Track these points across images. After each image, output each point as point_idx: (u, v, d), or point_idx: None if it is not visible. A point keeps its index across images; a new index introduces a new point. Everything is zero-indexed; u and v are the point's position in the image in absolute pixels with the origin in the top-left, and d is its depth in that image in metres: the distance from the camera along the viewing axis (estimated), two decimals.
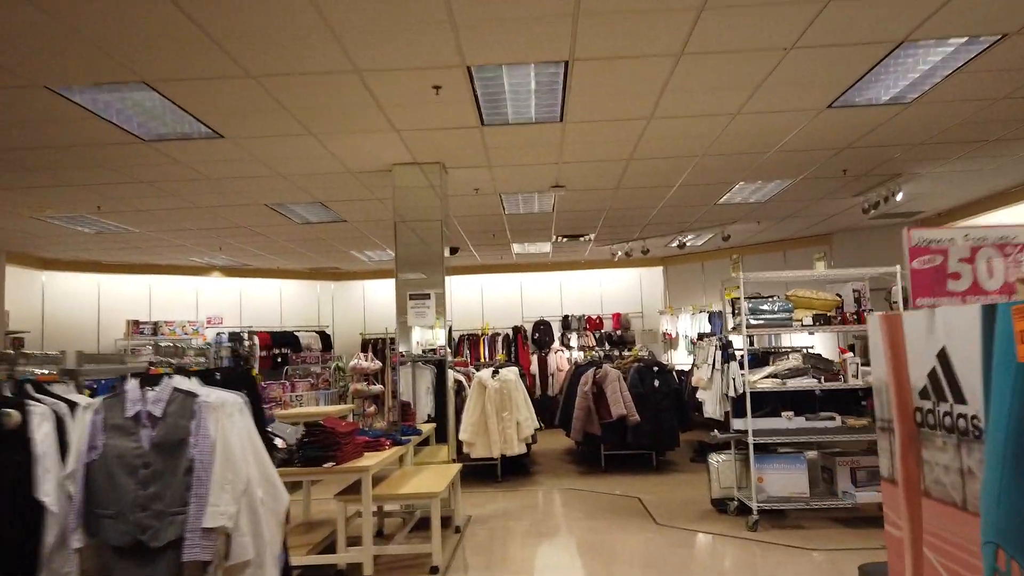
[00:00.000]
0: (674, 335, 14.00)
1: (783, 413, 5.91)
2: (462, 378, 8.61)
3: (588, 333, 14.63)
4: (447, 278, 15.96)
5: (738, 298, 6.25)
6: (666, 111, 5.53)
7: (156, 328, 12.18)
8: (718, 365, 6.00)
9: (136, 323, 11.97)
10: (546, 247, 12.53)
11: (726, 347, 5.99)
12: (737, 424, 5.93)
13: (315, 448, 4.98)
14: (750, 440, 5.83)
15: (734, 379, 5.89)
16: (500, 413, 8.19)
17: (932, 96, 5.40)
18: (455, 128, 5.74)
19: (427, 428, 6.98)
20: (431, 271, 6.74)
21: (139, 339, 12.02)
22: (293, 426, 5.43)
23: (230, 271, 13.51)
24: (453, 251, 12.07)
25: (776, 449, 6.30)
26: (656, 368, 8.91)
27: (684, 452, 9.98)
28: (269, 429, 5.16)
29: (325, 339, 14.68)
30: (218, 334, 13.24)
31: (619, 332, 14.61)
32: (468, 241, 11.52)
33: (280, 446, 5.04)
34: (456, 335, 14.70)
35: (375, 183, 7.40)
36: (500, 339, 14.42)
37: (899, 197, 7.94)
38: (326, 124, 5.55)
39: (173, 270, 12.79)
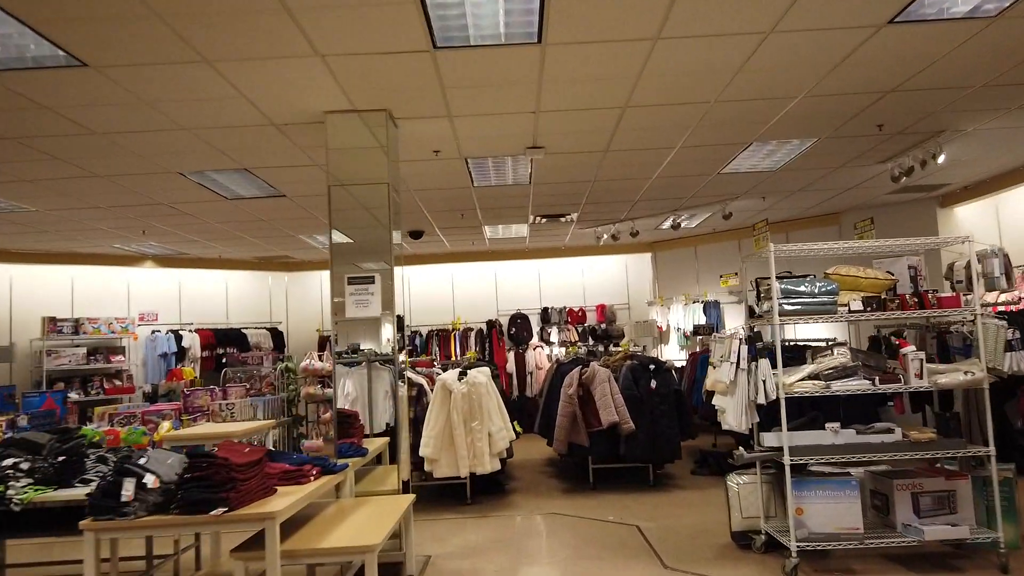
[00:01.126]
0: (665, 328, 12.69)
1: (828, 425, 4.60)
2: (423, 381, 7.22)
3: (570, 327, 13.29)
4: (410, 268, 14.66)
5: (763, 278, 4.92)
6: (678, 27, 4.16)
7: (78, 326, 10.62)
8: (743, 363, 4.65)
9: (53, 320, 10.40)
10: (523, 230, 11.15)
11: (753, 341, 4.66)
12: (769, 439, 4.61)
13: (201, 487, 3.57)
14: (786, 460, 4.51)
15: (764, 381, 4.56)
16: (469, 423, 6.81)
17: None
18: (399, 53, 4.33)
19: (379, 443, 5.59)
20: (377, 248, 5.33)
21: (57, 339, 10.45)
22: (180, 454, 4.01)
23: (165, 261, 11.96)
24: (416, 235, 10.65)
25: (812, 468, 4.99)
26: (652, 366, 7.58)
27: (683, 462, 8.67)
28: (141, 462, 3.73)
29: (277, 337, 13.19)
30: (153, 332, 11.70)
31: (604, 325, 13.29)
32: (433, 223, 10.11)
33: (152, 485, 3.62)
34: (424, 331, 13.29)
35: (309, 142, 5.97)
36: (473, 335, 13.04)
37: (941, 159, 6.66)
38: (223, 43, 4.11)
39: (98, 260, 11.22)
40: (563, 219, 10.18)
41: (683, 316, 12.30)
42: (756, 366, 4.61)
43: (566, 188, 8.30)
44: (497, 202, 8.93)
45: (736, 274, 11.90)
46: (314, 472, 4.39)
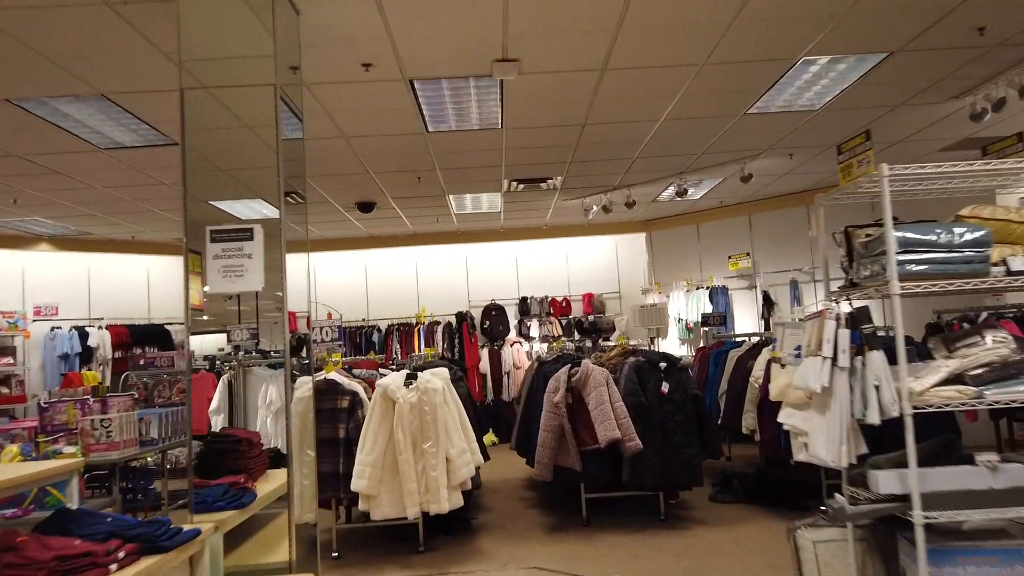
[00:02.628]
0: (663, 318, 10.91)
1: (980, 457, 2.83)
2: (358, 388, 5.34)
3: (553, 320, 11.48)
4: (368, 253, 12.78)
5: (859, 227, 3.14)
6: None
7: None
8: (844, 359, 2.85)
9: None
10: (496, 202, 9.32)
11: (857, 321, 2.87)
12: (887, 482, 2.83)
13: None
14: (918, 517, 2.73)
15: (877, 387, 2.77)
16: (419, 445, 4.97)
17: None
18: None
19: (274, 484, 3.76)
20: (257, 185, 3.47)
21: None
22: None
23: (66, 243, 9.95)
24: (366, 208, 8.77)
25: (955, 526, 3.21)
26: (663, 364, 5.79)
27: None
28: None
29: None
30: (53, 329, 9.71)
31: (591, 317, 11.50)
32: (385, 191, 8.24)
33: None
34: (383, 325, 11.41)
35: (172, 39, 4.09)
36: (440, 329, 11.18)
37: None
38: None
39: None
40: (544, 185, 8.36)
41: (684, 305, 10.54)
42: (863, 363, 2.83)
43: (549, 137, 6.48)
44: (462, 160, 7.09)
45: (748, 254, 10.15)
46: (122, 553, 2.55)
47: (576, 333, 11.46)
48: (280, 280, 3.38)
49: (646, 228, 11.56)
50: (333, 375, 5.30)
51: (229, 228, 3.30)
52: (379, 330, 11.38)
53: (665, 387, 5.66)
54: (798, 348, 3.16)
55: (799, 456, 3.22)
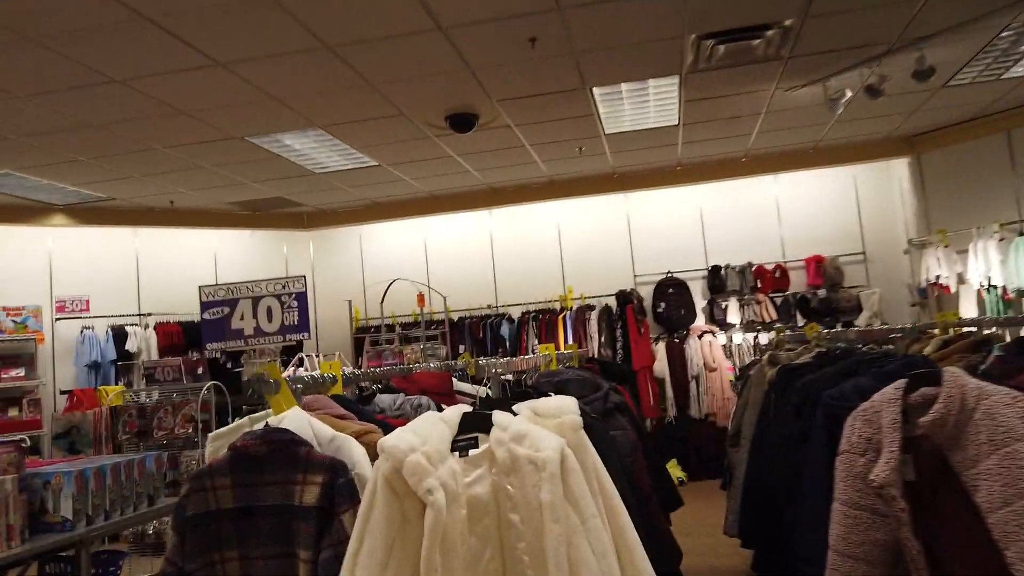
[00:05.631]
0: (951, 283, 6.81)
1: None
2: (356, 450, 2.09)
3: (762, 298, 7.73)
4: (494, 214, 7.92)
5: None
6: None
7: None
8: None
9: None
10: (670, 105, 5.79)
11: None
12: None
13: None
14: None
15: None
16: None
17: None
18: None
19: None
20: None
21: None
22: None
23: (84, 215, 7.55)
24: (462, 123, 5.52)
25: None
26: None
27: None
28: None
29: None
30: (83, 330, 7.42)
31: (821, 292, 7.63)
32: (485, 88, 4.99)
33: None
34: (515, 313, 8.23)
35: None
36: (595, 316, 7.81)
37: None
38: None
39: None
40: (759, 44, 4.68)
41: (995, 263, 6.39)
42: None
43: None
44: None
45: None
46: None
47: (797, 314, 7.64)
48: None
49: (911, 149, 7.44)
50: (292, 415, 2.07)
51: None
52: (510, 320, 8.20)
53: None
54: None
55: None
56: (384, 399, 2.55)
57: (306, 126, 5.53)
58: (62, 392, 6.86)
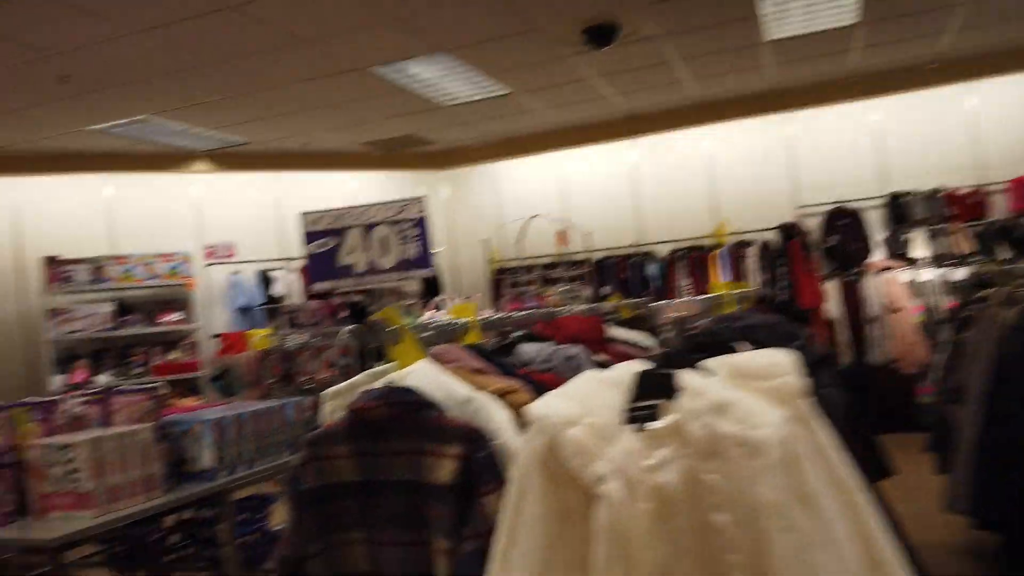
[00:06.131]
0: None
1: None
2: (498, 415, 1.70)
3: (956, 227, 6.65)
4: (636, 145, 6.93)
5: None
6: None
7: (99, 269, 6.80)
8: None
9: (53, 262, 6.66)
10: None
11: None
12: None
13: None
14: None
15: None
16: None
17: None
18: None
19: None
20: None
21: (66, 289, 6.71)
22: None
23: (224, 160, 7.60)
24: (601, 35, 4.90)
25: None
26: None
27: None
28: None
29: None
30: (233, 274, 7.61)
31: None
32: None
33: None
34: (662, 251, 7.62)
35: None
36: (753, 252, 7.06)
37: None
38: None
39: (124, 163, 7.18)
40: None
41: None
42: None
43: None
44: None
45: None
46: None
47: (995, 248, 6.52)
48: None
49: None
50: (419, 370, 1.69)
51: None
52: (655, 258, 7.60)
53: None
54: None
55: None
56: (528, 348, 2.13)
57: (433, 50, 5.13)
58: (213, 336, 7.06)
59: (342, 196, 8.10)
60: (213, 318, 7.42)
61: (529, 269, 7.65)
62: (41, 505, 2.55)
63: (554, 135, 7.93)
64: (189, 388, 6.82)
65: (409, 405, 1.58)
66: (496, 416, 1.63)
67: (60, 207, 7.04)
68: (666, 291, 7.21)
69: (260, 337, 6.34)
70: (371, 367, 2.80)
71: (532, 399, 1.71)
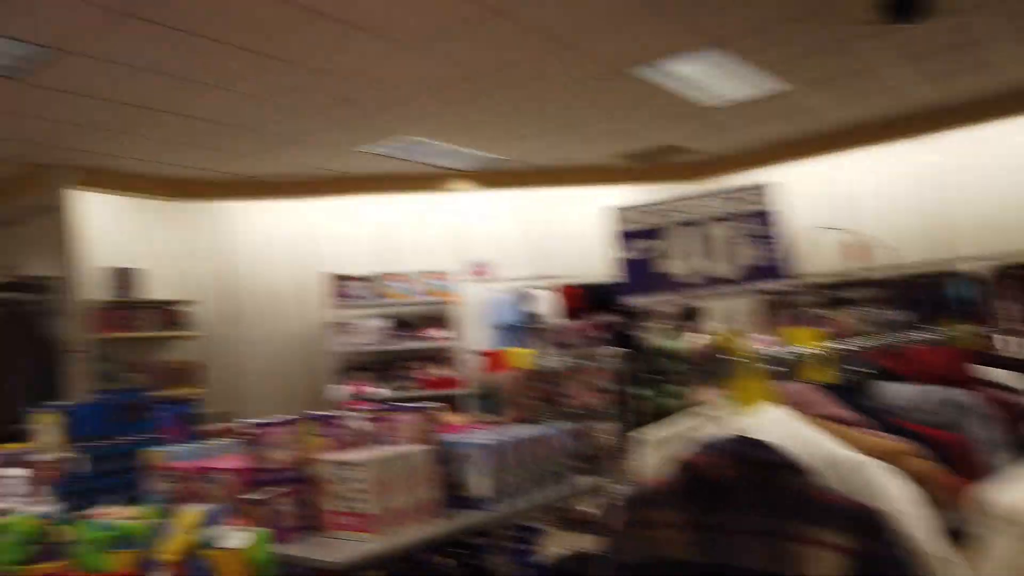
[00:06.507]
0: None
1: None
2: (889, 482, 1.24)
3: None
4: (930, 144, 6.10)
5: None
6: None
7: (377, 286, 7.23)
8: None
9: (339, 279, 7.17)
10: None
11: None
12: None
13: None
14: None
15: None
16: None
17: None
18: None
19: None
20: None
21: (347, 304, 7.19)
22: None
23: (482, 178, 7.68)
24: (908, 7, 4.07)
25: None
26: None
27: None
28: None
29: None
30: (492, 292, 7.71)
31: None
32: None
33: None
34: (979, 267, 6.38)
35: None
36: None
37: None
38: None
39: (383, 185, 7.60)
40: None
41: None
42: None
43: None
44: None
45: None
46: None
47: None
48: None
49: None
50: (771, 417, 1.29)
51: None
52: (966, 279, 6.37)
53: None
54: None
55: None
56: (894, 391, 1.62)
57: (697, 46, 4.71)
58: (475, 353, 7.18)
59: (594, 212, 7.91)
60: (473, 335, 7.58)
61: (811, 289, 6.81)
62: (325, 523, 2.53)
63: (827, 137, 7.08)
64: (450, 403, 6.99)
65: (766, 466, 1.19)
66: (888, 489, 1.18)
67: (335, 227, 7.67)
68: (984, 317, 5.97)
69: (521, 356, 6.29)
70: (639, 395, 2.39)
71: (935, 467, 1.23)
